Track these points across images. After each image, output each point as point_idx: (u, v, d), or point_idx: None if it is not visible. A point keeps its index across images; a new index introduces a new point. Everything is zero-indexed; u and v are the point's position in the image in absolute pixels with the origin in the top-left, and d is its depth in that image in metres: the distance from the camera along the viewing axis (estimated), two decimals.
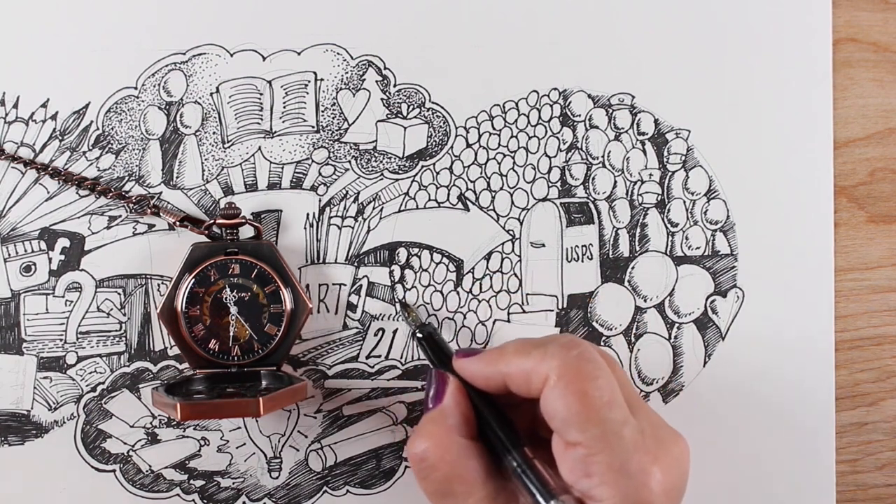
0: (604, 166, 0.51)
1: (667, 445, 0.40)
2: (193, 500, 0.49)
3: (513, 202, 0.50)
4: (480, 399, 0.43)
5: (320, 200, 0.50)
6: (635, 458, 0.38)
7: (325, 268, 0.50)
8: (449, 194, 0.50)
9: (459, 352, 0.44)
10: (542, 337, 0.43)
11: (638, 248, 0.51)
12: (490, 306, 0.50)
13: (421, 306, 0.50)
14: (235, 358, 0.48)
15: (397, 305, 0.50)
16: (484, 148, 0.50)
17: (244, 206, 0.49)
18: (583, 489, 0.39)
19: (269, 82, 0.49)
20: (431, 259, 0.50)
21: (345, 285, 0.50)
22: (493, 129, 0.50)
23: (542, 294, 0.51)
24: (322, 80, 0.50)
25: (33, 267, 0.49)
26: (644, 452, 0.38)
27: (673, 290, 0.51)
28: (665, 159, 0.51)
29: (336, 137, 0.50)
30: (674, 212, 0.51)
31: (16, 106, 0.48)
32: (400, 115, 0.50)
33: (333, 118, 0.50)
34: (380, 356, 0.50)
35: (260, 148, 0.49)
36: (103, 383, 0.49)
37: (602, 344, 0.51)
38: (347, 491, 0.50)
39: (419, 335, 0.47)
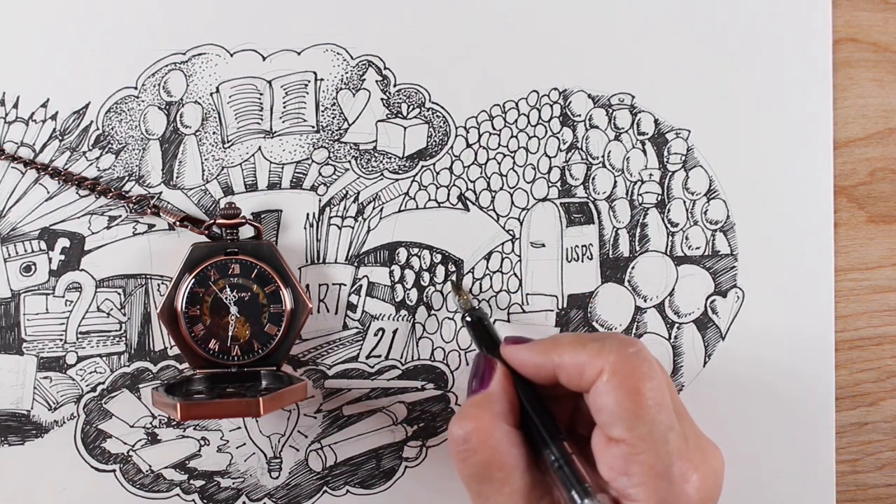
0: (604, 166, 0.51)
1: (707, 456, 0.40)
2: (193, 500, 0.49)
3: (513, 202, 0.50)
4: (524, 388, 0.43)
5: (320, 200, 0.50)
6: (678, 464, 0.38)
7: (325, 268, 0.50)
8: (449, 194, 0.50)
9: (509, 339, 0.44)
10: (597, 332, 0.42)
11: (638, 248, 0.51)
12: (490, 306, 0.50)
13: (471, 293, 0.50)
14: (235, 358, 0.48)
15: (448, 285, 0.49)
16: (484, 148, 0.50)
17: (244, 206, 0.49)
18: (619, 487, 0.39)
19: (269, 82, 0.49)
20: (432, 259, 0.50)
21: (345, 285, 0.50)
22: (493, 129, 0.50)
23: (542, 294, 0.51)
24: (322, 80, 0.50)
25: (33, 267, 0.49)
26: (686, 459, 0.38)
27: (673, 290, 0.51)
28: (665, 159, 0.51)
29: (336, 137, 0.50)
30: (674, 212, 0.51)
31: (16, 106, 0.48)
32: (400, 115, 0.50)
33: (333, 118, 0.50)
34: (380, 356, 0.50)
35: (260, 148, 0.49)
36: (103, 383, 0.49)
37: None
38: (347, 491, 0.50)
39: (468, 319, 0.47)
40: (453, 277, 0.50)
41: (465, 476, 0.41)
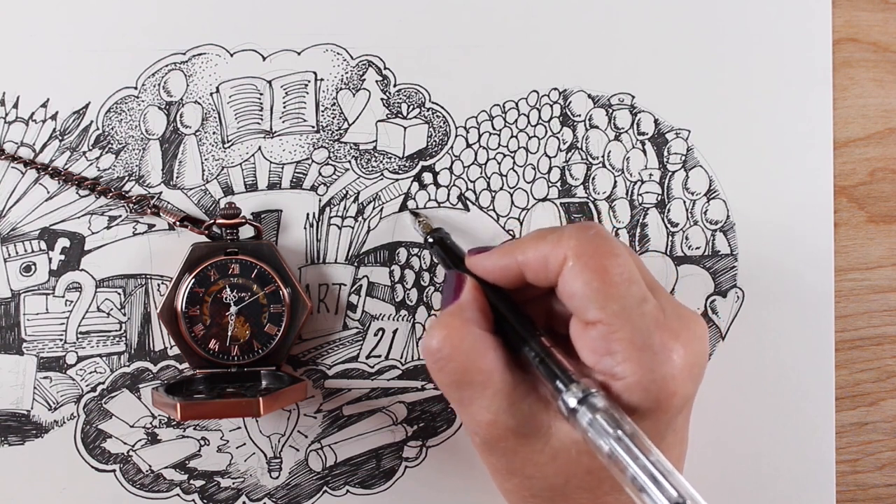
0: (604, 166, 0.51)
1: (687, 323, 0.39)
2: (193, 500, 0.49)
3: (513, 202, 0.50)
4: (496, 295, 0.42)
5: (320, 200, 0.50)
6: (657, 335, 0.38)
7: (325, 268, 0.50)
8: (449, 194, 0.50)
9: (472, 250, 0.44)
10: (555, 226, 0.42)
11: (638, 248, 0.51)
12: None
13: (427, 217, 0.50)
14: (235, 358, 0.48)
15: (407, 215, 0.49)
16: (484, 148, 0.50)
17: (244, 206, 0.49)
18: (604, 368, 0.38)
19: (269, 82, 0.49)
20: (432, 259, 0.50)
21: (345, 285, 0.50)
22: (493, 129, 0.50)
23: None
24: (322, 80, 0.50)
25: (33, 267, 0.49)
26: (665, 329, 0.38)
27: (673, 290, 0.51)
28: (665, 159, 0.51)
29: (336, 137, 0.50)
30: (674, 212, 0.51)
31: (16, 106, 0.48)
32: (400, 115, 0.50)
33: (333, 118, 0.50)
34: (380, 356, 0.50)
35: (260, 148, 0.50)
36: (103, 383, 0.49)
37: None
38: (347, 491, 0.50)
39: (430, 240, 0.46)
40: (412, 204, 0.50)
41: (444, 386, 0.41)
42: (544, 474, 0.40)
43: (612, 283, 0.38)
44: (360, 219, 0.50)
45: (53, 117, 0.48)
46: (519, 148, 0.51)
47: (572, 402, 0.38)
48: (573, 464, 0.39)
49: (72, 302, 0.49)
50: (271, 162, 0.50)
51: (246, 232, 0.49)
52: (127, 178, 0.49)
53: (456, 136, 0.50)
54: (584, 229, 0.40)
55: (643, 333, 0.38)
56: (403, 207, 0.50)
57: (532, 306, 0.43)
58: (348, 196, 0.50)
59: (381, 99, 0.50)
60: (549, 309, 0.43)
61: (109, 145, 0.49)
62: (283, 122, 0.50)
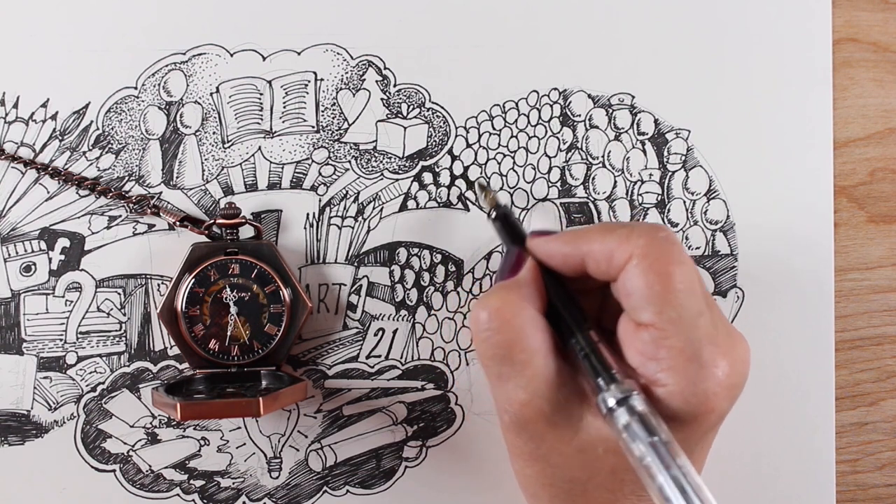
0: (604, 166, 0.51)
1: (735, 343, 0.39)
2: (193, 500, 0.49)
3: (513, 202, 0.50)
4: (551, 281, 0.42)
5: (320, 200, 0.50)
6: (707, 349, 0.38)
7: (325, 268, 0.50)
8: (449, 194, 0.50)
9: (536, 231, 0.44)
10: (624, 221, 0.41)
11: None
12: None
13: (500, 191, 0.49)
14: (235, 358, 0.48)
15: (475, 186, 0.49)
16: (484, 148, 0.50)
17: (244, 206, 0.49)
18: (648, 373, 0.38)
19: (269, 82, 0.49)
20: (432, 259, 0.50)
21: (345, 285, 0.50)
22: (493, 129, 0.50)
23: None
24: (322, 80, 0.50)
25: (33, 267, 0.49)
26: (716, 345, 0.38)
27: None
28: (665, 159, 0.51)
29: (336, 137, 0.50)
30: (674, 212, 0.51)
31: (16, 106, 0.48)
32: (400, 115, 0.50)
33: (333, 118, 0.50)
34: (380, 356, 0.50)
35: (260, 148, 0.50)
36: (103, 383, 0.49)
37: None
38: (347, 491, 0.50)
39: (493, 215, 0.46)
40: (482, 179, 0.49)
41: (485, 357, 0.40)
42: (568, 465, 0.40)
43: (674, 290, 0.38)
44: (360, 219, 0.50)
45: (53, 117, 0.48)
46: (519, 148, 0.51)
47: (611, 402, 0.37)
48: (598, 461, 0.39)
49: (72, 302, 0.49)
50: (271, 162, 0.50)
51: (246, 232, 0.49)
52: (127, 178, 0.49)
53: (456, 136, 0.50)
54: (655, 230, 0.39)
55: (694, 345, 0.38)
56: (404, 207, 0.50)
57: (584, 298, 0.42)
58: (348, 196, 0.50)
59: (381, 99, 0.50)
60: (601, 303, 0.43)
61: (109, 145, 0.49)
62: (283, 122, 0.50)
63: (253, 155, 0.49)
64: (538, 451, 0.40)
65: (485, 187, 0.49)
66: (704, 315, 0.38)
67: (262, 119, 0.49)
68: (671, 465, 0.35)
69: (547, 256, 0.42)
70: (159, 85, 0.49)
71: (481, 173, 0.50)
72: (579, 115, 0.51)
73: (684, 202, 0.51)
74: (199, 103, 0.49)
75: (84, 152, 0.49)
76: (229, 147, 0.49)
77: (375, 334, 0.50)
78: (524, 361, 0.39)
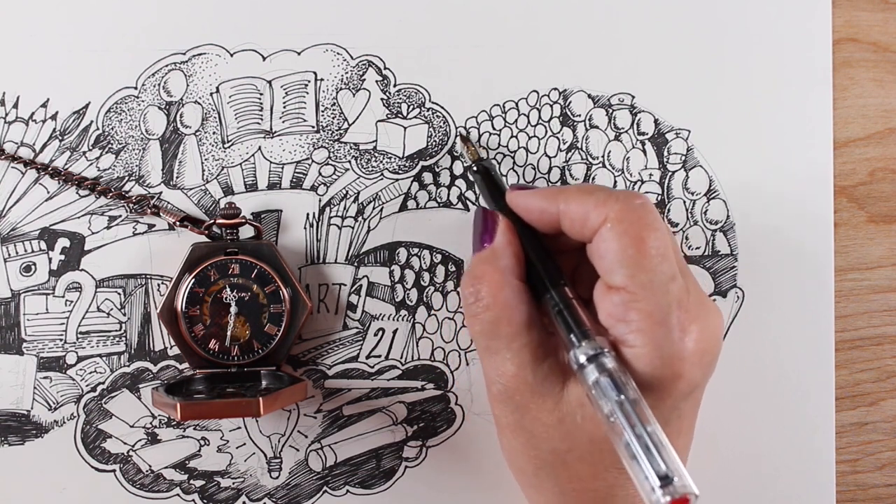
0: (604, 166, 0.51)
1: (707, 311, 0.40)
2: (193, 500, 0.49)
3: None
4: (527, 237, 0.43)
5: (320, 200, 0.50)
6: (677, 314, 0.38)
7: (325, 268, 0.50)
8: (449, 194, 0.50)
9: (514, 186, 0.44)
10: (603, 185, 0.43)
11: None
12: None
13: (479, 144, 0.49)
14: (235, 358, 0.48)
15: (457, 139, 0.49)
16: (484, 148, 0.50)
17: (244, 206, 0.49)
18: (617, 334, 0.39)
19: (269, 82, 0.49)
20: (432, 259, 0.50)
21: (345, 285, 0.50)
22: (493, 129, 0.50)
23: None
24: (322, 80, 0.50)
25: (33, 267, 0.49)
26: (685, 311, 0.39)
27: None
28: (665, 159, 0.51)
29: (336, 137, 0.50)
30: (674, 212, 0.51)
31: (16, 106, 0.48)
32: (400, 115, 0.50)
33: (333, 118, 0.50)
34: (380, 356, 0.50)
35: (260, 148, 0.50)
36: (103, 383, 0.49)
37: None
38: (347, 491, 0.50)
39: (475, 169, 0.46)
40: (462, 130, 0.49)
41: (475, 332, 0.42)
42: (550, 436, 0.40)
43: (646, 255, 0.38)
44: (360, 219, 0.50)
45: (53, 117, 0.48)
46: (519, 148, 0.51)
47: (582, 358, 0.38)
48: (577, 430, 0.40)
49: (72, 302, 0.49)
50: (271, 162, 0.50)
51: (246, 232, 0.49)
52: (127, 178, 0.49)
53: (456, 136, 0.50)
54: (631, 197, 0.40)
55: (663, 310, 0.38)
56: (404, 207, 0.50)
57: (559, 259, 0.43)
58: (348, 196, 0.50)
59: (381, 99, 0.50)
60: (575, 265, 0.43)
61: (109, 145, 0.49)
62: (283, 122, 0.50)
63: (253, 155, 0.49)
64: (522, 422, 0.41)
65: (466, 139, 0.49)
66: (677, 281, 0.39)
67: (262, 119, 0.49)
68: (636, 424, 0.36)
69: (525, 210, 0.43)
70: (159, 85, 0.49)
71: None
72: (579, 115, 0.51)
73: (684, 202, 0.51)
74: (199, 103, 0.49)
75: (84, 152, 0.49)
76: (229, 147, 0.49)
77: (375, 334, 0.50)
78: (511, 335, 0.40)
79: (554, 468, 0.41)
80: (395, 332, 0.50)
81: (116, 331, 0.49)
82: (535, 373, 0.40)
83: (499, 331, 0.41)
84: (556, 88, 0.51)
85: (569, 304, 0.40)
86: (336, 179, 0.50)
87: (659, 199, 0.51)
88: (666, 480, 0.35)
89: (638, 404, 0.37)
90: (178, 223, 0.48)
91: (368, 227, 0.50)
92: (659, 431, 0.36)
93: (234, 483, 0.50)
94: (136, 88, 0.49)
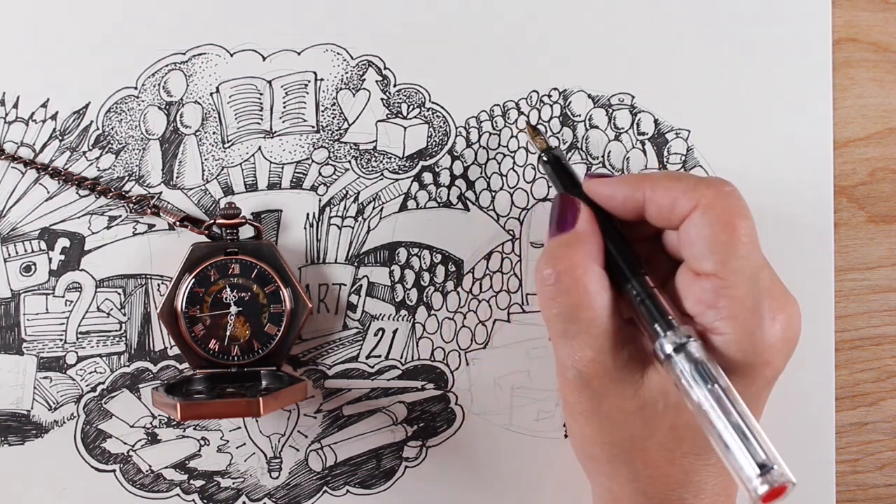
0: (604, 166, 0.51)
1: (790, 301, 0.40)
2: (193, 500, 0.49)
3: (513, 202, 0.50)
4: (606, 226, 0.42)
5: (320, 200, 0.50)
6: (766, 302, 0.39)
7: (325, 268, 0.50)
8: (449, 194, 0.50)
9: (593, 174, 0.44)
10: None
11: None
12: (490, 306, 0.50)
13: (548, 136, 0.49)
14: (235, 358, 0.48)
15: (526, 127, 0.48)
16: (484, 148, 0.50)
17: (244, 206, 0.49)
18: (705, 321, 0.39)
19: (269, 82, 0.49)
20: (432, 259, 0.50)
21: (345, 285, 0.50)
22: (494, 129, 0.50)
23: None
24: (322, 80, 0.50)
25: (33, 267, 0.49)
26: (774, 299, 0.39)
27: None
28: (665, 159, 0.51)
29: (336, 137, 0.50)
30: None
31: (16, 106, 0.48)
32: (400, 115, 0.50)
33: (333, 118, 0.50)
34: (380, 356, 0.50)
35: (260, 148, 0.50)
36: (103, 383, 0.49)
37: None
38: (347, 491, 0.50)
39: (545, 159, 0.46)
40: (529, 119, 0.49)
41: (551, 315, 0.41)
42: (628, 423, 0.40)
43: (739, 242, 0.39)
44: (360, 219, 0.50)
45: (53, 117, 0.48)
46: (519, 148, 0.51)
47: (668, 348, 0.38)
48: (658, 417, 0.40)
49: (72, 302, 0.49)
50: (271, 162, 0.50)
51: (246, 232, 0.49)
52: (127, 178, 0.49)
53: (456, 136, 0.50)
54: (721, 184, 0.40)
55: (754, 297, 0.38)
56: (404, 207, 0.50)
57: (635, 246, 0.43)
58: (348, 196, 0.50)
59: (381, 99, 0.50)
60: (651, 253, 0.43)
61: (109, 145, 0.49)
62: (283, 122, 0.50)
63: (253, 155, 0.49)
64: (599, 409, 0.40)
65: (535, 128, 0.48)
66: (766, 269, 0.39)
67: (262, 119, 0.49)
68: (731, 412, 0.36)
69: (607, 198, 0.42)
70: (159, 85, 0.49)
71: (481, 173, 0.50)
72: (579, 115, 0.51)
73: None
74: (199, 103, 0.49)
75: (84, 152, 0.49)
76: (229, 147, 0.49)
77: (375, 334, 0.50)
78: (591, 319, 0.40)
79: (630, 454, 0.41)
80: (395, 332, 0.50)
81: (116, 331, 0.49)
82: (615, 359, 0.40)
83: (578, 315, 0.40)
84: (556, 88, 0.51)
85: (651, 293, 0.40)
86: (336, 179, 0.50)
87: None
88: (765, 469, 0.35)
89: (730, 392, 0.36)
90: (178, 223, 0.48)
91: (368, 227, 0.50)
92: (753, 419, 0.36)
93: (234, 483, 0.50)
94: (136, 88, 0.49)
